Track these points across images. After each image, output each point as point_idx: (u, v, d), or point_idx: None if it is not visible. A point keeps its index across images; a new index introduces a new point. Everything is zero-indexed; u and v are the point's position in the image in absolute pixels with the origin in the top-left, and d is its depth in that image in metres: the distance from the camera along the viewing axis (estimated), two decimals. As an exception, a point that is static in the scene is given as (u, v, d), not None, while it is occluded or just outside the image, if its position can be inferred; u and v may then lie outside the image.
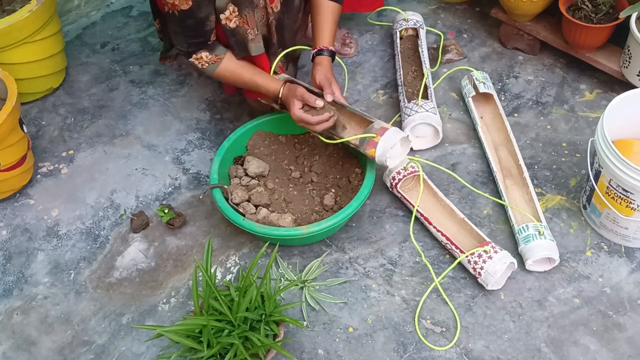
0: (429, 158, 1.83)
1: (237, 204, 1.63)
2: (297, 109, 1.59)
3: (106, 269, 1.69)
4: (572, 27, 1.83)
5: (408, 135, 1.60)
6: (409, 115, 1.81)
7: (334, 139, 1.64)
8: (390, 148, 1.54)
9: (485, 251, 1.50)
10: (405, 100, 1.86)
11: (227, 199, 1.62)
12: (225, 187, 1.63)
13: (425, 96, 1.85)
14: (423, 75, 1.93)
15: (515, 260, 1.51)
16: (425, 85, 1.87)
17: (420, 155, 1.84)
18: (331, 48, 1.73)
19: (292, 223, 1.59)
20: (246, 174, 1.73)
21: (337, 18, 1.76)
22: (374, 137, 1.55)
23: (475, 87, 1.88)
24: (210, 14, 1.56)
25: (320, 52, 1.72)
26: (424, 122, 1.78)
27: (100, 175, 1.92)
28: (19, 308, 1.64)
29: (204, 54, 1.62)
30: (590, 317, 1.48)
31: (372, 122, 1.59)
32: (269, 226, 1.56)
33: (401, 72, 1.96)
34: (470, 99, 1.89)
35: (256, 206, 1.65)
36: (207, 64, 1.64)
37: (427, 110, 1.79)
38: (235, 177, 1.72)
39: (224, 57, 1.64)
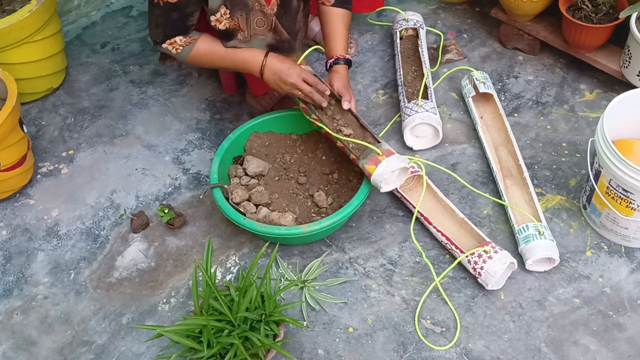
0: (429, 158, 1.83)
1: (238, 204, 1.63)
2: (299, 71, 1.58)
3: (106, 269, 1.69)
4: (572, 27, 1.83)
5: (409, 169, 1.59)
6: (409, 115, 1.81)
7: (339, 134, 1.62)
8: (390, 171, 1.52)
9: (485, 251, 1.50)
10: (405, 100, 1.86)
11: (227, 199, 1.62)
12: (225, 186, 1.63)
13: (425, 96, 1.85)
14: (423, 75, 1.93)
15: (515, 260, 1.51)
16: (425, 85, 1.87)
17: (420, 155, 1.84)
18: (347, 56, 1.72)
19: (293, 222, 1.59)
20: (246, 174, 1.73)
21: (348, 24, 1.75)
22: (379, 154, 1.54)
23: (475, 87, 1.88)
24: (196, 11, 1.55)
25: (336, 62, 1.71)
26: (424, 122, 1.78)
27: (100, 175, 1.92)
28: (19, 308, 1.64)
29: (178, 38, 1.59)
30: (590, 317, 1.48)
31: (380, 142, 1.59)
32: (271, 225, 1.56)
33: (401, 72, 1.96)
34: (470, 99, 1.89)
35: (256, 205, 1.65)
36: (181, 48, 1.61)
37: (427, 110, 1.79)
38: (235, 176, 1.72)
39: (198, 37, 1.61)
